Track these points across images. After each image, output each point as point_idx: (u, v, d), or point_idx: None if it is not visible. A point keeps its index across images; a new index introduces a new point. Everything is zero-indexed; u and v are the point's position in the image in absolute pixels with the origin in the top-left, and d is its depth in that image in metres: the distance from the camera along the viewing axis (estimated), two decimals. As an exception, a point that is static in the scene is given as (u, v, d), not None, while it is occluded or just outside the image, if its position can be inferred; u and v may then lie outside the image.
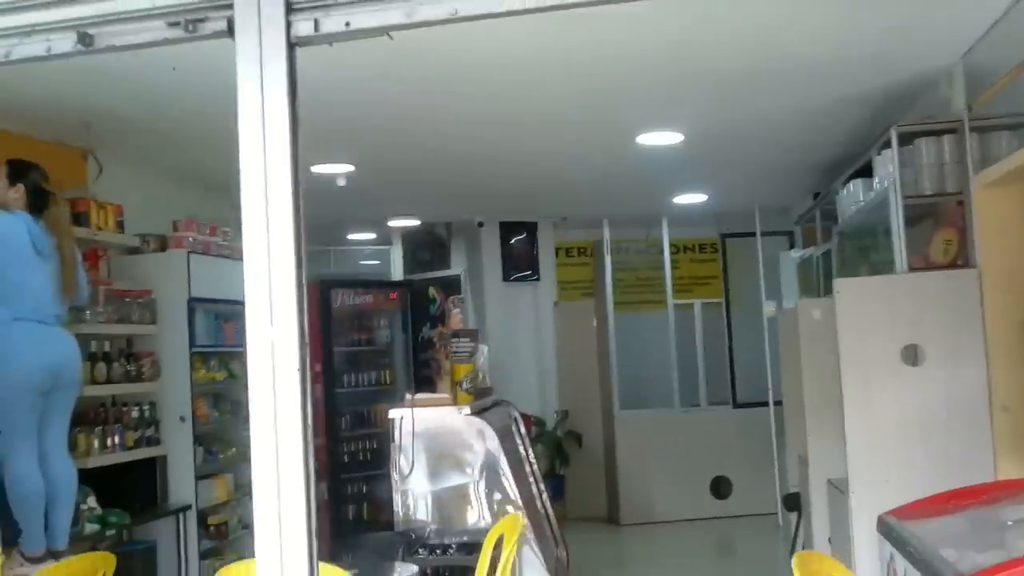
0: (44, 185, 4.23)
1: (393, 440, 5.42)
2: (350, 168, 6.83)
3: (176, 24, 2.00)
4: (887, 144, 4.84)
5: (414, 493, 5.43)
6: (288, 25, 1.96)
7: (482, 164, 7.16)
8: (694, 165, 7.16)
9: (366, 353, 8.38)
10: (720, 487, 9.77)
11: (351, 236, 10.58)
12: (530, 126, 6.01)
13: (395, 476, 5.41)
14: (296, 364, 2.00)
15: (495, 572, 3.81)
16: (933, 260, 4.71)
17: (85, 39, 2.08)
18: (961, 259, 4.62)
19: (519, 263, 10.27)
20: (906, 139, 4.77)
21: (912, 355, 4.57)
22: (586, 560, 8.05)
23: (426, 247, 10.51)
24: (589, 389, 10.13)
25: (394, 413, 5.44)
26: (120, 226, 5.59)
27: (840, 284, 4.67)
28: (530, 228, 10.31)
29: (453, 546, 5.06)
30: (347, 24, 1.95)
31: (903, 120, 4.89)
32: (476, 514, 5.44)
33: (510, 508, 5.35)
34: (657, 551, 8.84)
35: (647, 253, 10.51)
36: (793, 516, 7.23)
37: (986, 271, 4.47)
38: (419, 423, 5.47)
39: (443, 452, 5.46)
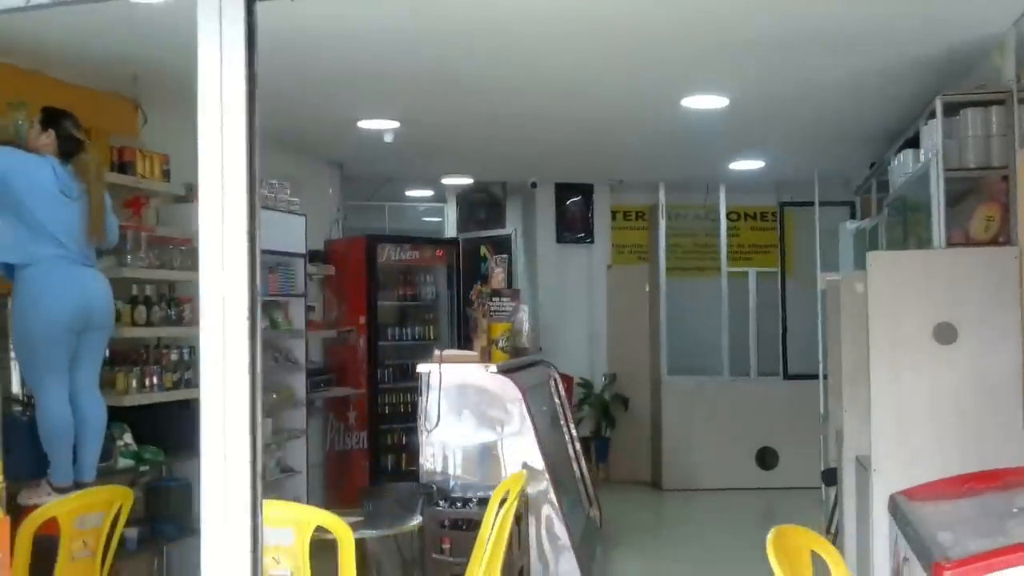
0: (75, 133, 4.33)
1: (421, 394, 5.49)
2: (395, 124, 6.87)
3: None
4: (934, 114, 4.68)
5: (440, 446, 5.50)
6: (251, -23, 1.98)
7: (532, 125, 7.13)
8: (741, 131, 7.03)
9: (411, 308, 8.48)
10: (766, 458, 9.67)
11: (408, 192, 10.66)
12: (574, 89, 5.96)
13: (422, 429, 5.49)
14: (245, 313, 2.04)
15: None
16: (973, 236, 4.56)
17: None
18: (1003, 236, 4.45)
19: (573, 225, 10.23)
20: (952, 109, 4.60)
21: (945, 334, 4.43)
22: (624, 522, 8.09)
23: (482, 206, 10.53)
24: (639, 353, 10.10)
25: (422, 368, 5.51)
26: (166, 175, 5.71)
27: (873, 258, 4.54)
28: (586, 190, 10.25)
29: (474, 500, 5.12)
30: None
31: (951, 89, 4.71)
32: (501, 470, 5.49)
33: (533, 466, 5.39)
34: (695, 518, 8.83)
35: (704, 219, 10.38)
36: (833, 491, 7.13)
37: (1028, 250, 4.30)
38: (448, 379, 5.53)
39: (470, 408, 5.52)
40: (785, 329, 9.87)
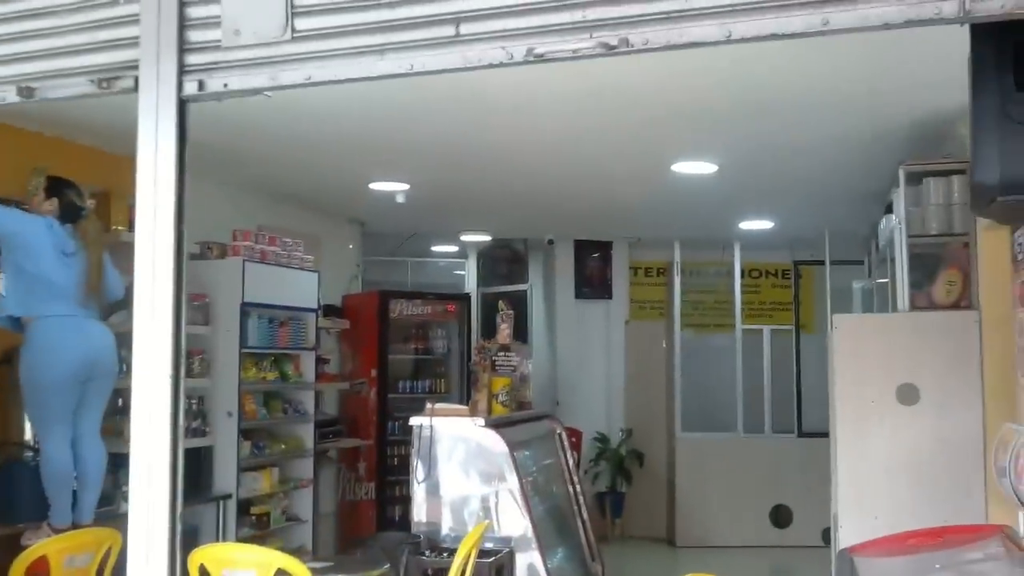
0: (76, 200, 4.72)
1: (413, 446, 5.71)
2: (406, 187, 7.19)
3: (94, 81, 2.37)
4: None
5: (431, 498, 5.69)
6: (179, 85, 2.31)
7: (540, 185, 7.40)
8: (735, 194, 7.22)
9: (423, 361, 8.73)
10: (780, 516, 9.68)
11: (433, 248, 10.99)
12: (572, 153, 6.22)
13: (414, 480, 5.69)
14: (169, 370, 2.31)
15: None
16: (936, 300, 4.69)
17: (26, 92, 2.47)
18: (964, 301, 4.58)
19: (592, 281, 10.44)
20: (916, 178, 4.77)
21: (908, 394, 4.57)
22: (631, 578, 8.17)
23: (503, 261, 10.80)
24: (655, 409, 10.21)
25: (415, 421, 5.73)
26: (179, 233, 6.06)
27: (838, 320, 4.70)
28: (605, 247, 10.47)
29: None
30: (225, 85, 2.28)
31: (927, 157, 4.88)
32: (491, 522, 5.65)
33: (518, 519, 5.55)
34: (706, 575, 8.82)
35: (725, 276, 10.52)
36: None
37: (986, 313, 4.42)
38: (441, 432, 5.73)
39: (461, 461, 5.71)
40: (800, 386, 9.93)
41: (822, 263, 9.49)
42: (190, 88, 2.30)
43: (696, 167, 6.26)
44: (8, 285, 4.52)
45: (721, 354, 10.26)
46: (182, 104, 2.38)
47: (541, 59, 2.15)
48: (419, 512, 5.70)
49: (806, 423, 9.76)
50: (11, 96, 2.46)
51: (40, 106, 5.03)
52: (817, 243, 9.60)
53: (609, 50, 2.12)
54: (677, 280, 10.06)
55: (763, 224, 8.84)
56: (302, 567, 3.55)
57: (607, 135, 5.72)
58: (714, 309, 10.74)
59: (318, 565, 3.88)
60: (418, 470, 5.70)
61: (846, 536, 4.52)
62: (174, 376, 2.34)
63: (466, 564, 4.11)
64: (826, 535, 7.04)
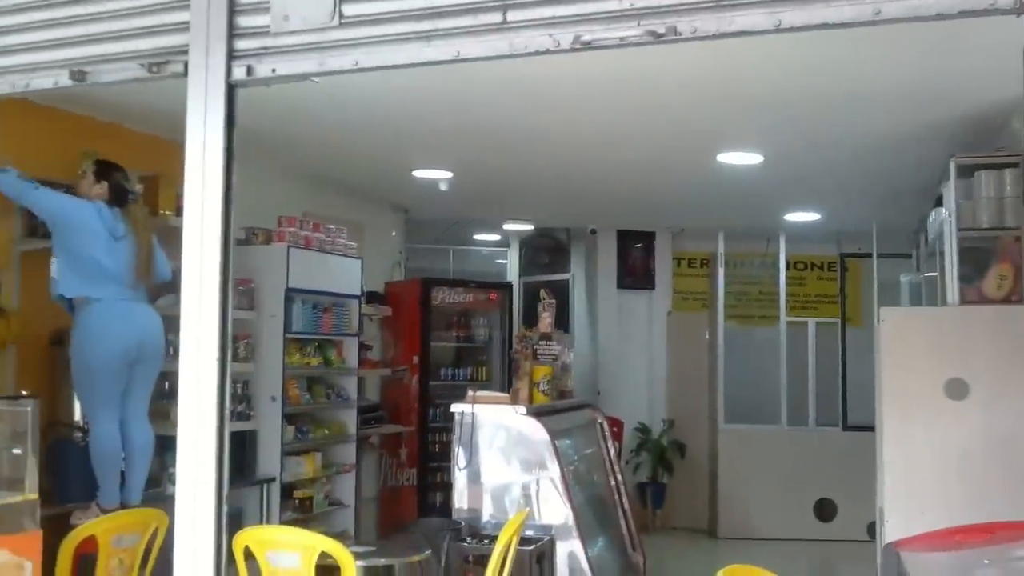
0: (124, 184, 4.80)
1: (454, 433, 5.73)
2: (449, 174, 7.21)
3: (144, 66, 2.41)
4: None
5: (472, 485, 5.72)
6: (228, 70, 2.33)
7: (583, 174, 7.38)
8: (781, 185, 7.14)
9: (464, 349, 8.75)
10: (824, 509, 9.58)
11: (476, 236, 11.01)
12: (615, 142, 6.19)
13: (455, 467, 5.72)
14: (216, 353, 2.34)
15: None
16: (987, 294, 4.60)
17: (78, 75, 2.51)
18: (1015, 295, 4.50)
19: (634, 272, 10.40)
20: (968, 171, 4.68)
21: (957, 389, 4.49)
22: (671, 570, 8.13)
23: (545, 251, 10.79)
24: (698, 400, 10.15)
25: (456, 407, 5.75)
26: (226, 219, 6.13)
27: (886, 313, 4.62)
28: (648, 237, 10.42)
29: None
30: (273, 70, 2.30)
31: (966, 152, 4.79)
32: (531, 509, 5.67)
33: (559, 507, 5.56)
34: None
35: (771, 267, 10.42)
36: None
37: (1038, 308, 4.34)
38: (482, 419, 5.76)
39: (502, 448, 5.73)
40: (845, 380, 9.81)
41: (869, 256, 9.37)
42: (239, 73, 2.32)
43: (742, 157, 6.20)
44: (60, 267, 4.60)
45: (765, 346, 10.16)
46: (231, 89, 2.40)
47: (588, 47, 2.14)
48: (460, 499, 5.73)
49: (852, 416, 9.65)
50: (64, 80, 2.50)
51: (89, 91, 5.08)
52: (864, 236, 9.48)
53: (657, 38, 2.11)
54: (721, 271, 9.97)
55: (809, 216, 8.74)
56: (345, 551, 3.59)
57: (652, 124, 5.68)
58: (758, 301, 10.64)
59: (360, 549, 3.91)
60: (459, 457, 5.72)
61: (892, 531, 4.47)
62: (221, 360, 2.37)
63: (507, 551, 4.12)
64: (871, 530, 6.98)
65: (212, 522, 2.24)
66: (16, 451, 3.35)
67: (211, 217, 2.30)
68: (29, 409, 3.35)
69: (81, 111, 5.40)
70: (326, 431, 6.91)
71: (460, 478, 5.76)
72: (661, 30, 2.08)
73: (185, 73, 2.37)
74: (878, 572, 6.70)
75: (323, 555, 3.60)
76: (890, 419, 4.56)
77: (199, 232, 2.31)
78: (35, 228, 5.14)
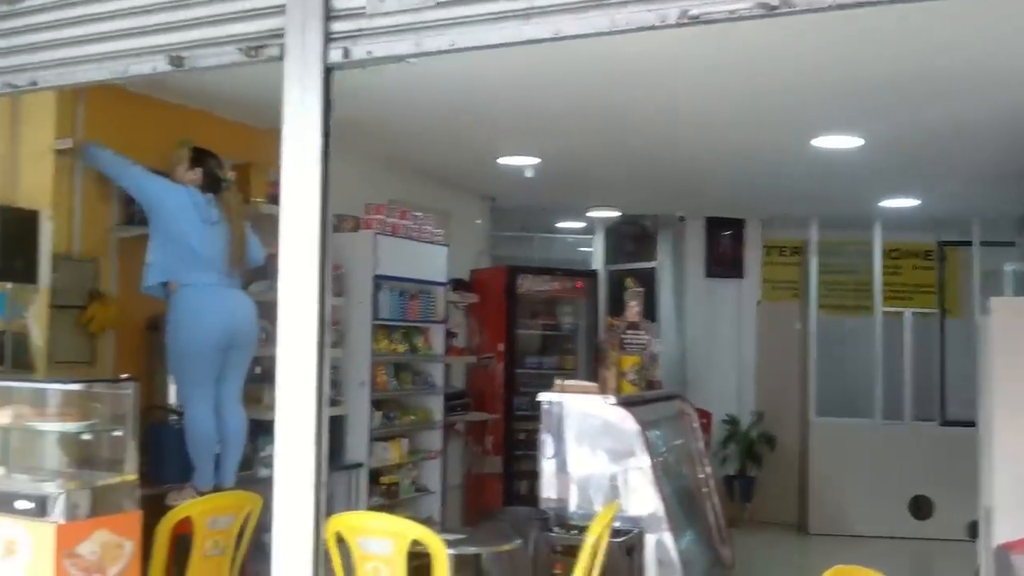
0: (218, 172, 4.86)
1: (541, 421, 5.68)
2: (535, 161, 7.14)
3: (242, 50, 2.39)
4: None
5: (560, 474, 5.67)
6: (325, 52, 2.30)
7: (673, 160, 7.24)
8: (881, 170, 6.88)
9: (550, 337, 8.69)
10: (920, 507, 9.27)
11: (561, 224, 10.92)
12: (707, 124, 6.04)
13: (541, 456, 5.67)
14: (315, 337, 2.32)
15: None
16: (1109, 283, 4.35)
17: (176, 61, 2.50)
18: None
19: (723, 260, 10.20)
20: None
21: (1073, 382, 4.27)
22: (760, 564, 7.96)
23: (630, 238, 10.64)
24: (788, 392, 9.91)
25: (543, 397, 5.70)
26: (316, 207, 6.17)
27: (996, 303, 4.41)
28: (737, 225, 10.20)
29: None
30: (369, 52, 2.26)
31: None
32: (620, 500, 5.59)
33: (649, 498, 5.47)
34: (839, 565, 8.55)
35: (862, 256, 10.10)
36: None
37: None
38: (571, 409, 5.70)
39: (590, 438, 5.66)
40: (944, 372, 9.46)
41: (969, 244, 9.03)
42: (335, 56, 2.29)
43: (839, 141, 5.99)
44: (155, 252, 4.66)
45: (859, 337, 9.87)
46: (327, 72, 2.37)
47: (696, 21, 2.04)
48: (547, 488, 5.68)
49: (950, 411, 9.31)
50: (162, 65, 2.50)
51: (181, 79, 5.18)
52: (962, 222, 9.13)
53: (769, 11, 2.00)
54: (813, 260, 9.72)
55: (907, 202, 8.43)
56: (437, 539, 3.57)
57: (746, 106, 5.52)
58: (852, 290, 10.33)
59: (451, 537, 3.89)
60: (547, 446, 5.67)
61: (1001, 532, 4.27)
62: (319, 345, 2.35)
63: (598, 543, 4.05)
64: (972, 529, 6.68)
65: (311, 507, 2.23)
66: (117, 433, 3.40)
67: (309, 202, 2.27)
68: (130, 392, 3.40)
69: (174, 99, 5.47)
70: (412, 417, 6.93)
71: (547, 467, 5.71)
72: (775, 2, 1.98)
73: (281, 57, 2.35)
74: (980, 573, 6.46)
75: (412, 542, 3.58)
76: (1000, 415, 4.35)
77: (297, 217, 2.28)
78: (131, 215, 5.23)
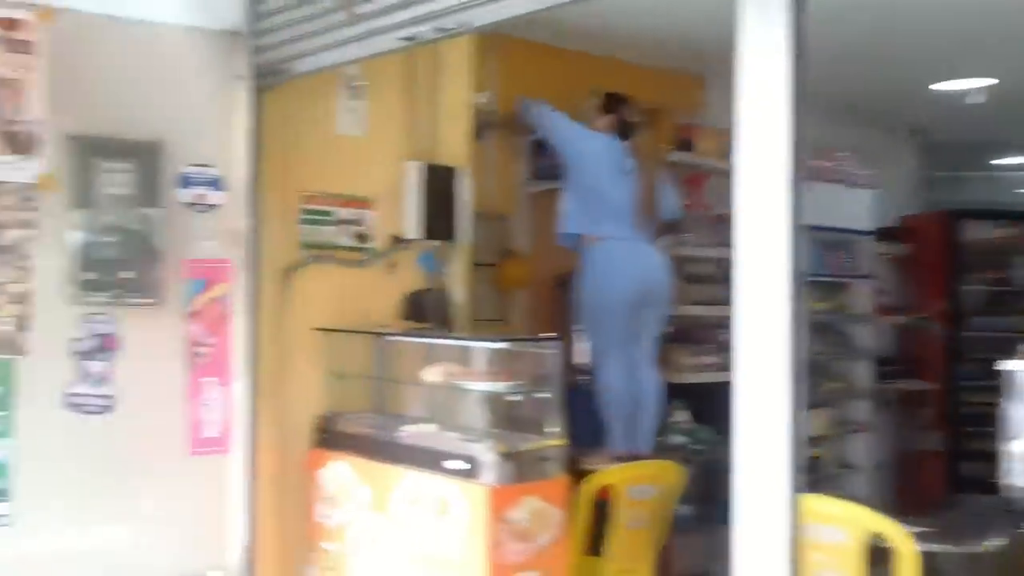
0: (630, 118, 4.55)
1: (1002, 395, 4.72)
2: (986, 82, 6.03)
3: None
4: None
5: (1028, 457, 4.69)
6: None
7: None
8: None
9: (1003, 294, 7.41)
10: None
11: (995, 161, 9.38)
12: None
13: (1002, 435, 4.73)
14: (787, 298, 1.90)
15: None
16: None
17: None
18: None
19: None
20: None
21: None
22: None
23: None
24: None
25: (1006, 365, 4.72)
26: (725, 153, 5.65)
27: None
28: None
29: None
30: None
31: None
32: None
33: None
34: None
35: None
36: None
37: None
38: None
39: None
40: None
41: None
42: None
43: None
44: (570, 203, 4.49)
45: None
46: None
47: None
48: (1015, 474, 4.72)
49: None
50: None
51: (581, 23, 4.88)
52: None
53: None
54: None
55: None
56: (904, 534, 2.95)
57: None
58: None
59: (915, 530, 3.22)
60: (1012, 425, 4.70)
61: None
62: (794, 303, 1.89)
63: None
64: None
65: (786, 480, 1.80)
66: (543, 395, 3.17)
67: (772, 147, 1.81)
68: (555, 352, 3.16)
69: (577, 47, 5.21)
70: (837, 384, 6.21)
71: (1013, 450, 4.74)
72: None
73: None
74: None
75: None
76: None
77: (756, 163, 1.83)
78: (537, 171, 5.10)
